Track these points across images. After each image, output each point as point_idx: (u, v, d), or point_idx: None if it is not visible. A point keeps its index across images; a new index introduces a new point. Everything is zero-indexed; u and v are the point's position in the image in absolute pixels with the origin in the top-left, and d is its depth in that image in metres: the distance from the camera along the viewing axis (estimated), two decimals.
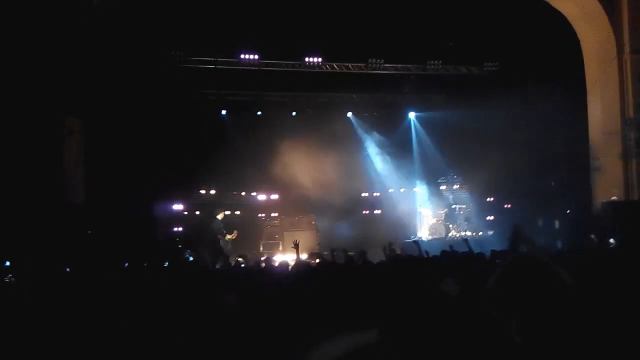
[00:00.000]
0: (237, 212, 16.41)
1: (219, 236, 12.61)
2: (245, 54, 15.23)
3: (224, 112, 16.70)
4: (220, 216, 13.10)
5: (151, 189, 13.10)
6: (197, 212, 15.50)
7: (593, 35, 12.87)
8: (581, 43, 13.21)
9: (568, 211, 12.76)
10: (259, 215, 16.64)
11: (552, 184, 13.63)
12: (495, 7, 12.90)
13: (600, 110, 12.73)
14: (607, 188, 12.26)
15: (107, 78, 11.70)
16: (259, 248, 14.98)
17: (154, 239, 11.30)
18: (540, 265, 2.70)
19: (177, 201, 14.65)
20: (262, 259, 12.93)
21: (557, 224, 12.40)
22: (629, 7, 12.08)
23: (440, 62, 16.11)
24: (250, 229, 15.71)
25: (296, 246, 7.71)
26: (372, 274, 4.10)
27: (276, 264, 7.72)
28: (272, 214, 16.54)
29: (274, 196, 16.85)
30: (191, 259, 9.81)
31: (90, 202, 11.52)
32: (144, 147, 12.93)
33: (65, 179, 11.10)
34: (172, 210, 14.38)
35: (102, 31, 11.31)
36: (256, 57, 15.34)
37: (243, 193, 16.98)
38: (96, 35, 11.11)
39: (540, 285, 2.68)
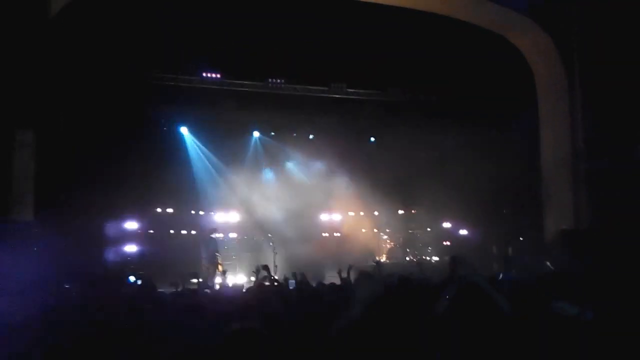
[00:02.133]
0: (193, 232, 16.08)
1: (217, 254, 13.36)
2: (207, 72, 15.12)
3: (183, 129, 16.45)
4: (214, 235, 13.88)
5: (104, 206, 12.69)
6: (151, 231, 15.10)
7: (546, 69, 13.36)
8: (535, 76, 13.69)
9: (521, 238, 13.05)
10: (216, 235, 16.39)
11: (504, 211, 13.95)
12: (457, 38, 13.26)
13: (552, 142, 13.14)
14: (558, 216, 12.61)
15: (62, 90, 11.36)
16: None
17: (103, 259, 10.89)
18: (482, 294, 2.77)
19: (131, 219, 14.19)
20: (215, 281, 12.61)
21: (510, 250, 12.64)
22: (579, 43, 12.61)
23: (400, 89, 16.42)
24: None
25: (257, 271, 7.42)
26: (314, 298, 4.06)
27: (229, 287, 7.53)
28: (230, 235, 16.30)
29: (233, 216, 16.59)
30: (136, 281, 9.49)
31: (38, 217, 11.03)
32: (98, 162, 12.55)
33: (12, 192, 10.61)
34: (124, 228, 13.92)
35: (59, 43, 11.00)
36: (218, 75, 15.25)
37: (201, 212, 16.67)
38: (52, 47, 10.80)
39: (481, 315, 2.74)
